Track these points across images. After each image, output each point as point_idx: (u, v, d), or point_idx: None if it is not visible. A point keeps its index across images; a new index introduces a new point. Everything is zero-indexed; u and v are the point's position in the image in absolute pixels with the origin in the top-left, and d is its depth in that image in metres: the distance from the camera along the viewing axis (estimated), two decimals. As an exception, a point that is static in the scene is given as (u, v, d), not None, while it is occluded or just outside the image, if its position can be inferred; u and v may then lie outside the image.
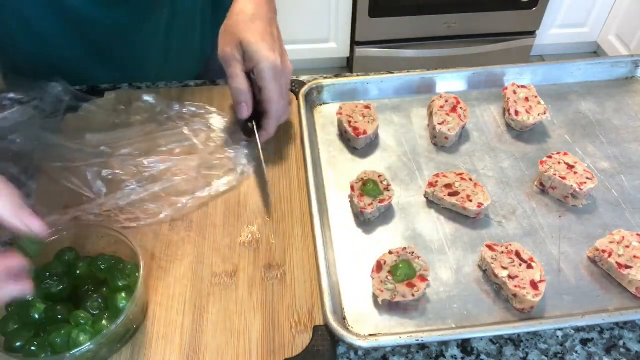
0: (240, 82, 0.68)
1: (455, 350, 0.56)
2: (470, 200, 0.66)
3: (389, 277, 0.58)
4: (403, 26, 2.25)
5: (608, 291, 0.60)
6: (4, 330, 0.53)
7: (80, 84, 0.84)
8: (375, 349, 0.56)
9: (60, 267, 0.58)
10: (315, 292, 0.59)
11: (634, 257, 0.60)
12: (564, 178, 0.67)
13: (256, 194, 0.70)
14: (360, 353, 0.56)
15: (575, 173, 0.67)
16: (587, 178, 0.67)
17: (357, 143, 0.75)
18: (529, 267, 0.59)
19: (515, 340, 0.57)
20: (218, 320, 0.58)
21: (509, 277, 0.58)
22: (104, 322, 0.53)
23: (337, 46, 2.36)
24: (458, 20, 2.25)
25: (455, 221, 0.67)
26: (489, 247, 0.61)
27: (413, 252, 0.60)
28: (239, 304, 0.59)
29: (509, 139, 0.77)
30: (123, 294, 0.55)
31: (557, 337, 0.57)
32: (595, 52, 2.61)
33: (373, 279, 0.59)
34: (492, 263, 0.59)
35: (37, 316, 0.53)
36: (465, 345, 0.57)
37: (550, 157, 0.70)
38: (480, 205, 0.65)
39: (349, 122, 0.75)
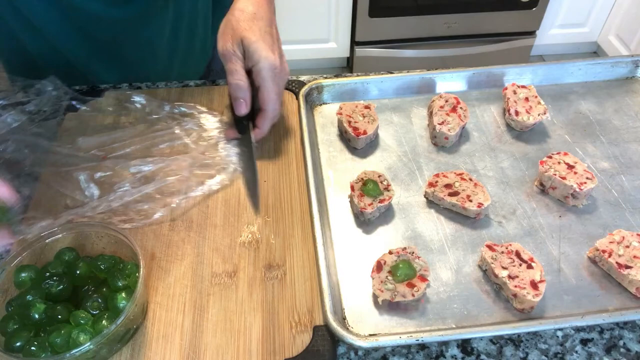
0: (240, 78, 0.68)
1: (455, 350, 0.56)
2: (470, 200, 0.66)
3: (389, 277, 0.58)
4: (403, 26, 2.25)
5: (608, 291, 0.60)
6: (4, 330, 0.53)
7: (83, 83, 0.83)
8: (375, 349, 0.56)
9: (60, 267, 0.58)
10: (315, 292, 0.59)
11: (634, 257, 0.60)
12: (564, 178, 0.67)
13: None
14: (360, 353, 0.56)
15: (575, 173, 0.67)
16: (587, 178, 0.67)
17: (357, 143, 0.75)
18: (529, 267, 0.59)
19: (515, 340, 0.57)
20: (218, 320, 0.58)
21: (509, 277, 0.58)
22: (104, 322, 0.53)
23: (337, 46, 2.36)
24: (458, 20, 2.25)
25: (455, 221, 0.67)
26: (489, 247, 0.61)
27: (413, 252, 0.60)
28: (239, 304, 0.59)
29: (509, 139, 0.77)
30: (123, 294, 0.55)
31: (557, 337, 0.57)
32: (595, 52, 2.61)
33: (373, 279, 0.59)
34: (492, 263, 0.59)
35: (37, 316, 0.53)
36: (465, 345, 0.57)
37: (550, 157, 0.70)
38: (480, 205, 0.65)
39: (349, 122, 0.75)
